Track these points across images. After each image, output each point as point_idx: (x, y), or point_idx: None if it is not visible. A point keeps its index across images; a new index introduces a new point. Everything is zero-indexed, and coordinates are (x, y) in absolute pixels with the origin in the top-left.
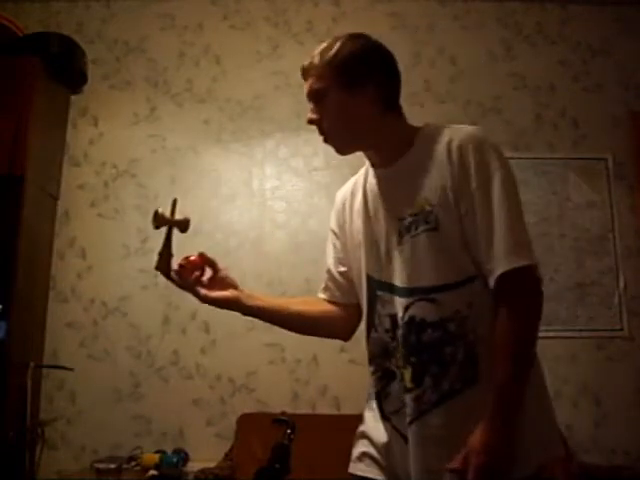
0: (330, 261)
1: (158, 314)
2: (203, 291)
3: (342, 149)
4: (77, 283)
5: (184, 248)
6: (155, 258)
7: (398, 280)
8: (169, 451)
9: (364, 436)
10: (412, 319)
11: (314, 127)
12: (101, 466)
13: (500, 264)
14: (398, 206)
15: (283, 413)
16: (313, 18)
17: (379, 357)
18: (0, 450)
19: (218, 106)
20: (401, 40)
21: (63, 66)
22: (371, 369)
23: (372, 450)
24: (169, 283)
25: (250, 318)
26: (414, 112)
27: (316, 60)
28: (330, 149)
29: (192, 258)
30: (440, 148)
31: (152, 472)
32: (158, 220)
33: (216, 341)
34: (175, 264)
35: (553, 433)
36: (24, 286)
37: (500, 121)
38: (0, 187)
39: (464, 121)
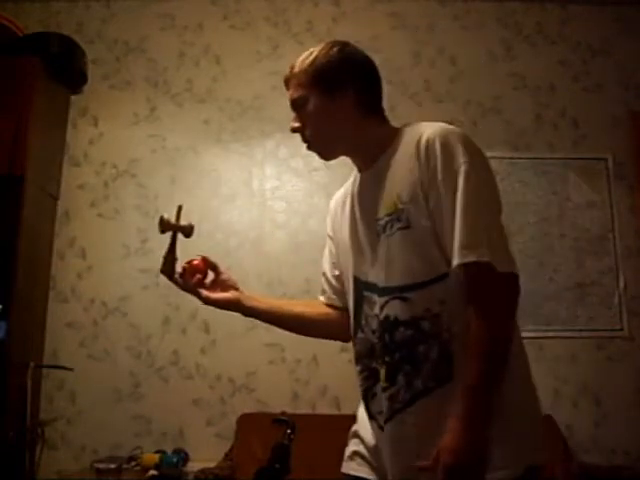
0: (326, 266)
1: (158, 314)
2: (205, 293)
3: (325, 155)
4: (77, 283)
5: (185, 248)
6: (160, 261)
7: (377, 280)
8: (169, 451)
9: (356, 435)
10: (387, 318)
11: None
12: (101, 466)
13: (455, 259)
14: (375, 207)
15: (283, 413)
16: (313, 18)
17: (365, 357)
18: (0, 450)
19: (218, 106)
20: (401, 40)
21: (63, 66)
22: (357, 369)
23: (363, 449)
24: (169, 283)
25: (250, 318)
26: (413, 112)
27: (295, 69)
28: None
29: (195, 262)
30: (410, 145)
31: (152, 472)
32: (164, 225)
33: (216, 341)
34: (179, 267)
35: (540, 433)
36: (24, 286)
37: (500, 121)
38: (0, 187)
39: (464, 121)
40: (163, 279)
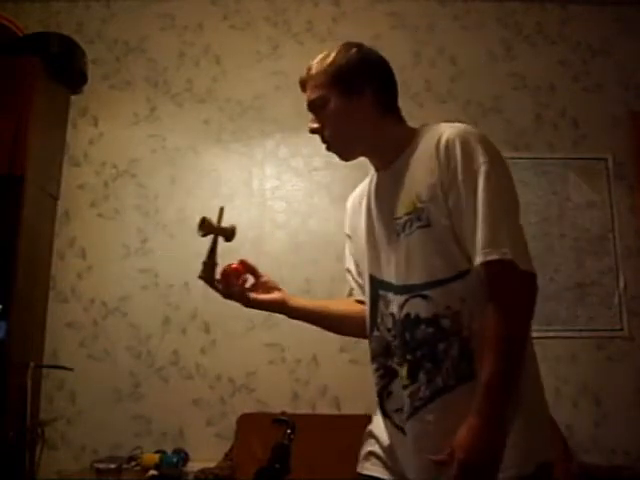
0: (350, 264)
1: (158, 314)
2: (252, 295)
3: (345, 155)
4: (77, 283)
5: (185, 247)
6: (200, 267)
7: (394, 278)
8: (169, 451)
9: (371, 435)
10: (407, 316)
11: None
12: (101, 466)
13: (478, 257)
14: (394, 206)
15: (283, 413)
16: (313, 18)
17: (381, 355)
18: (0, 450)
19: (218, 106)
20: (401, 40)
21: (63, 66)
22: (373, 367)
23: (378, 449)
24: (169, 283)
25: (249, 318)
26: (414, 112)
27: (313, 70)
28: None
29: (234, 266)
30: (430, 146)
31: (152, 472)
32: (205, 228)
33: (216, 341)
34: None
35: (549, 431)
36: (24, 286)
37: (500, 121)
38: (0, 187)
39: (464, 121)
40: (163, 279)
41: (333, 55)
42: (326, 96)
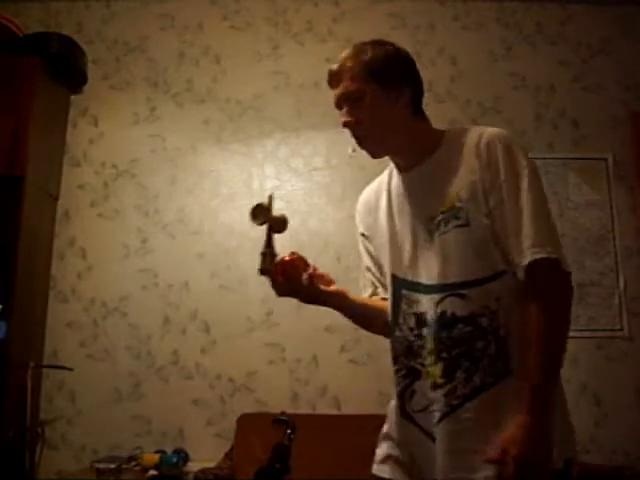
0: (369, 263)
1: (158, 314)
2: (322, 287)
3: (377, 151)
4: (77, 283)
5: (185, 247)
6: (258, 259)
7: (426, 278)
8: (169, 451)
9: (388, 437)
10: (443, 315)
11: (314, 127)
12: (101, 466)
13: (526, 255)
14: (427, 205)
15: (283, 413)
16: (313, 18)
17: (403, 356)
18: (0, 450)
19: (218, 106)
20: (401, 40)
21: (63, 66)
22: (395, 368)
23: (396, 451)
24: (169, 283)
25: (249, 318)
26: None
27: (350, 63)
28: (330, 149)
29: (288, 258)
30: (468, 146)
31: (152, 472)
32: (260, 215)
33: (216, 341)
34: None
35: (572, 428)
36: (24, 286)
37: (500, 121)
38: (0, 187)
39: (464, 121)
40: (163, 279)
41: (370, 50)
42: (364, 90)
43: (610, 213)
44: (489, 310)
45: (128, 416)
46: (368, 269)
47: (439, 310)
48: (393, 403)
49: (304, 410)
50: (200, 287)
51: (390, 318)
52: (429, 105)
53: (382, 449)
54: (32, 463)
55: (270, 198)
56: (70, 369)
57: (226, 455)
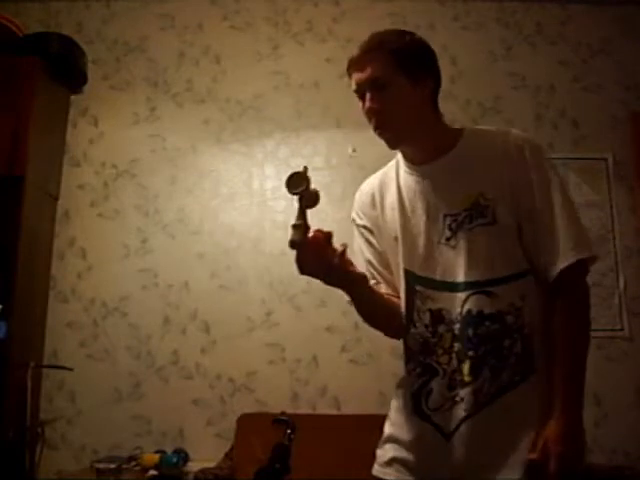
0: (369, 256)
1: (158, 314)
2: (351, 268)
3: (396, 141)
4: (77, 283)
5: (185, 247)
6: (289, 232)
7: (446, 274)
8: (169, 451)
9: (393, 439)
10: (469, 312)
11: (314, 127)
12: (101, 466)
13: (566, 257)
14: (447, 201)
15: (283, 413)
16: (313, 18)
17: (419, 353)
18: (0, 450)
19: (218, 106)
20: None
21: (63, 66)
22: (409, 367)
23: (403, 454)
24: (169, 283)
25: (249, 318)
26: None
27: (377, 49)
28: (330, 149)
29: (315, 233)
30: (493, 146)
31: (152, 472)
32: (297, 183)
33: (216, 341)
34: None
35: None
36: (24, 286)
37: (500, 121)
38: (0, 187)
39: (464, 121)
40: (163, 279)
41: (398, 38)
42: (391, 77)
43: (610, 213)
44: (514, 308)
45: (128, 416)
46: (369, 262)
47: (465, 308)
48: (397, 403)
49: (304, 410)
50: (200, 287)
51: (404, 315)
52: None
53: (385, 451)
54: (32, 463)
55: (305, 169)
56: (70, 369)
57: (226, 455)
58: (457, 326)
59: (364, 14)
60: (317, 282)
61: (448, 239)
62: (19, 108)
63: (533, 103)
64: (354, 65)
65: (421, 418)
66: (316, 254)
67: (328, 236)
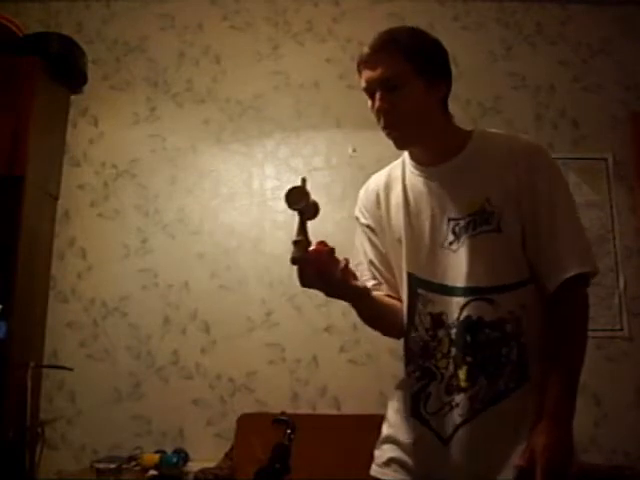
0: (372, 257)
1: (158, 314)
2: (352, 282)
3: (405, 142)
4: (77, 283)
5: (185, 247)
6: (290, 248)
7: (447, 279)
8: (169, 451)
9: (392, 440)
10: (467, 318)
11: (314, 127)
12: (101, 466)
13: (568, 269)
14: (452, 205)
15: (283, 413)
16: (313, 18)
17: (419, 357)
18: (0, 450)
19: (218, 106)
20: None
21: (63, 66)
22: (409, 369)
23: (401, 454)
24: (169, 283)
25: (249, 318)
26: None
27: (391, 47)
28: (330, 149)
29: (322, 248)
30: (500, 151)
31: (152, 472)
32: (298, 199)
33: (216, 341)
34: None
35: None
36: (24, 286)
37: (500, 121)
38: (0, 187)
39: (464, 121)
40: (163, 279)
41: (412, 37)
42: (404, 78)
43: (610, 213)
44: (514, 316)
45: (128, 416)
46: (371, 262)
47: (464, 314)
48: (396, 405)
49: (304, 410)
50: (200, 287)
51: (405, 318)
52: None
53: (383, 452)
54: (32, 463)
55: (304, 181)
56: (70, 369)
57: (226, 455)
58: (454, 331)
59: (364, 14)
60: None
61: (451, 243)
62: (19, 108)
63: (533, 103)
64: (364, 62)
65: (420, 421)
66: (318, 269)
67: (330, 251)
